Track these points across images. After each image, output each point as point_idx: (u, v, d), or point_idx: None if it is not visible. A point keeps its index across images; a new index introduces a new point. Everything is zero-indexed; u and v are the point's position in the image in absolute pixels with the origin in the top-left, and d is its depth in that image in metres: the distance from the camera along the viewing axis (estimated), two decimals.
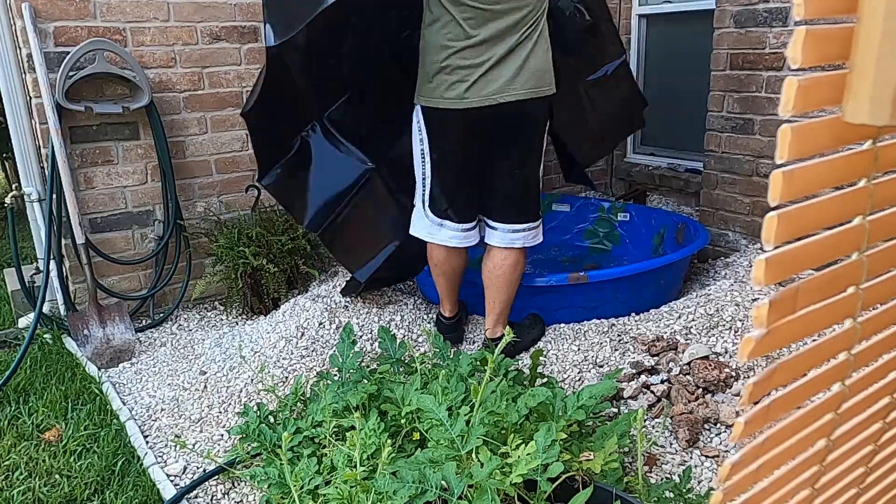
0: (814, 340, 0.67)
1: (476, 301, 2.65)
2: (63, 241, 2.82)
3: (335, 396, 1.89)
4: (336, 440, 1.80)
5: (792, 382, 0.65)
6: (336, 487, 1.50)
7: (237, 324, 2.95)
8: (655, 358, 2.26)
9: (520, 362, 2.42)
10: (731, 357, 2.18)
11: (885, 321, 0.73)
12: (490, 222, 2.37)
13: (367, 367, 2.22)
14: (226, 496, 1.87)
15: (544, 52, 2.20)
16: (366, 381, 1.99)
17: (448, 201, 2.34)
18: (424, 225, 2.41)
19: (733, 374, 2.08)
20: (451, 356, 2.10)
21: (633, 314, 2.63)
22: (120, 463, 2.01)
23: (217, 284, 3.03)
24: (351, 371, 2.05)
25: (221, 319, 3.05)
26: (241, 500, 1.85)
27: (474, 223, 2.39)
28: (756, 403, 0.62)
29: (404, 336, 2.57)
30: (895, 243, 0.68)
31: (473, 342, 2.65)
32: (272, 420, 2.03)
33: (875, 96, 0.54)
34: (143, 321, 3.03)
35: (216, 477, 1.91)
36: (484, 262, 2.41)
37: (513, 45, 2.12)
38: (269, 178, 2.50)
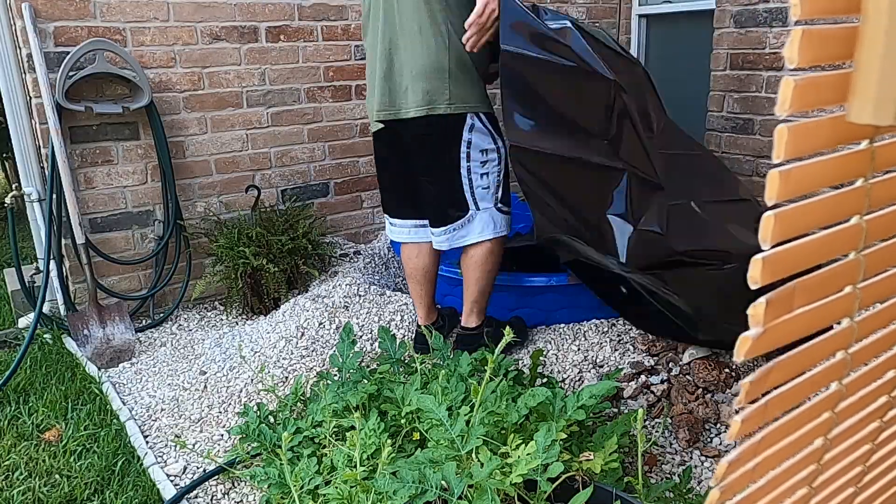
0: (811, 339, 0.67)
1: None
2: (63, 241, 2.82)
3: (335, 396, 1.90)
4: (336, 440, 1.80)
5: (789, 381, 0.65)
6: (336, 487, 1.50)
7: (237, 324, 2.96)
8: (655, 358, 2.26)
9: (520, 362, 2.43)
10: (730, 357, 2.18)
11: (883, 320, 0.73)
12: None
13: (367, 367, 2.22)
14: (226, 496, 1.87)
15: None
16: (366, 381, 1.99)
17: (381, 192, 2.49)
18: None
19: (733, 374, 2.08)
20: (451, 356, 2.11)
21: None
22: (120, 463, 2.01)
23: (217, 284, 3.03)
24: (351, 371, 2.06)
25: (221, 319, 3.05)
26: (241, 500, 1.85)
27: (403, 221, 2.41)
28: (753, 402, 0.62)
29: (404, 336, 2.57)
30: (892, 243, 0.68)
31: None
32: (272, 420, 2.03)
33: (879, 96, 0.54)
34: (143, 321, 3.03)
35: (216, 477, 1.92)
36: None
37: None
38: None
